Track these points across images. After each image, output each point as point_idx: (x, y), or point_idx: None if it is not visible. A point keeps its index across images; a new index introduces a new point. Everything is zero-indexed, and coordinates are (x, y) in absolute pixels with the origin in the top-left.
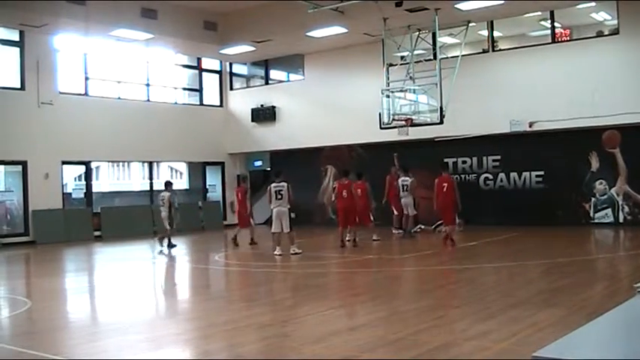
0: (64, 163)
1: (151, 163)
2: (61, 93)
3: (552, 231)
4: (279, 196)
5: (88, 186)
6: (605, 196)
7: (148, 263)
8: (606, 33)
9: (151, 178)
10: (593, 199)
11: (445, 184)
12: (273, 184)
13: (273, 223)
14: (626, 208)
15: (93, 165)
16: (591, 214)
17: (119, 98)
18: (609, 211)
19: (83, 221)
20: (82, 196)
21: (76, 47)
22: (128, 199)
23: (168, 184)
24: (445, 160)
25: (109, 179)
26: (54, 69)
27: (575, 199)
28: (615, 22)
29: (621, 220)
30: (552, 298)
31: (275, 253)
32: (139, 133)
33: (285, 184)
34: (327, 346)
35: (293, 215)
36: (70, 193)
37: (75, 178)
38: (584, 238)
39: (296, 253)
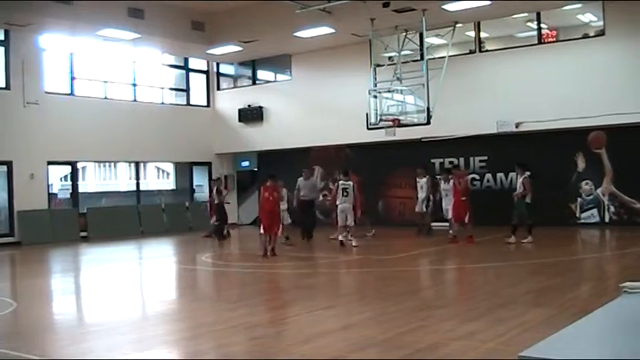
0: (49, 163)
1: (137, 164)
2: (46, 93)
3: (539, 231)
4: (346, 194)
5: (74, 186)
6: (591, 197)
7: (135, 264)
8: (592, 34)
9: (137, 179)
10: (579, 199)
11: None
12: (340, 182)
13: (339, 217)
14: (612, 209)
15: (79, 165)
16: (577, 214)
17: (106, 98)
18: (595, 211)
19: (69, 222)
20: (68, 196)
21: (62, 47)
22: (115, 199)
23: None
24: (432, 160)
25: (95, 179)
26: (40, 69)
27: (562, 200)
28: (601, 23)
29: (607, 220)
30: (539, 298)
31: (339, 238)
32: (126, 134)
33: (351, 182)
34: (316, 347)
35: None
36: (56, 194)
37: (61, 179)
38: (570, 238)
39: (356, 246)
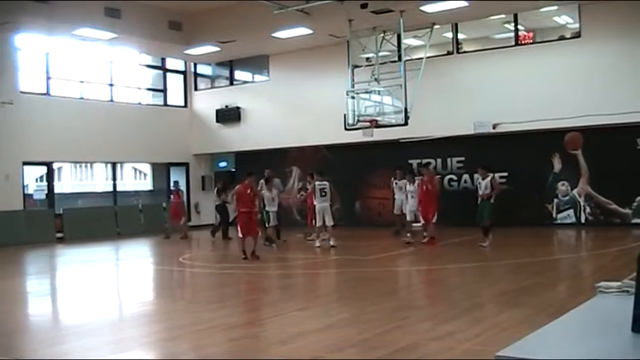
0: (25, 163)
1: (114, 164)
2: (22, 92)
3: (516, 231)
4: (324, 194)
5: (50, 187)
6: (568, 197)
7: (112, 265)
8: (568, 36)
9: (114, 179)
10: (555, 200)
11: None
12: (317, 183)
13: (317, 217)
14: (588, 209)
15: (55, 166)
16: (554, 215)
17: (82, 98)
18: (571, 211)
19: (45, 223)
20: (44, 197)
21: (38, 46)
22: (91, 200)
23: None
24: (410, 161)
25: (71, 180)
26: (15, 68)
27: (539, 200)
28: (577, 25)
29: (583, 220)
30: (516, 298)
31: (316, 245)
32: (102, 134)
33: (327, 183)
34: (295, 347)
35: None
36: (32, 195)
37: (36, 179)
38: (547, 238)
39: (333, 246)
